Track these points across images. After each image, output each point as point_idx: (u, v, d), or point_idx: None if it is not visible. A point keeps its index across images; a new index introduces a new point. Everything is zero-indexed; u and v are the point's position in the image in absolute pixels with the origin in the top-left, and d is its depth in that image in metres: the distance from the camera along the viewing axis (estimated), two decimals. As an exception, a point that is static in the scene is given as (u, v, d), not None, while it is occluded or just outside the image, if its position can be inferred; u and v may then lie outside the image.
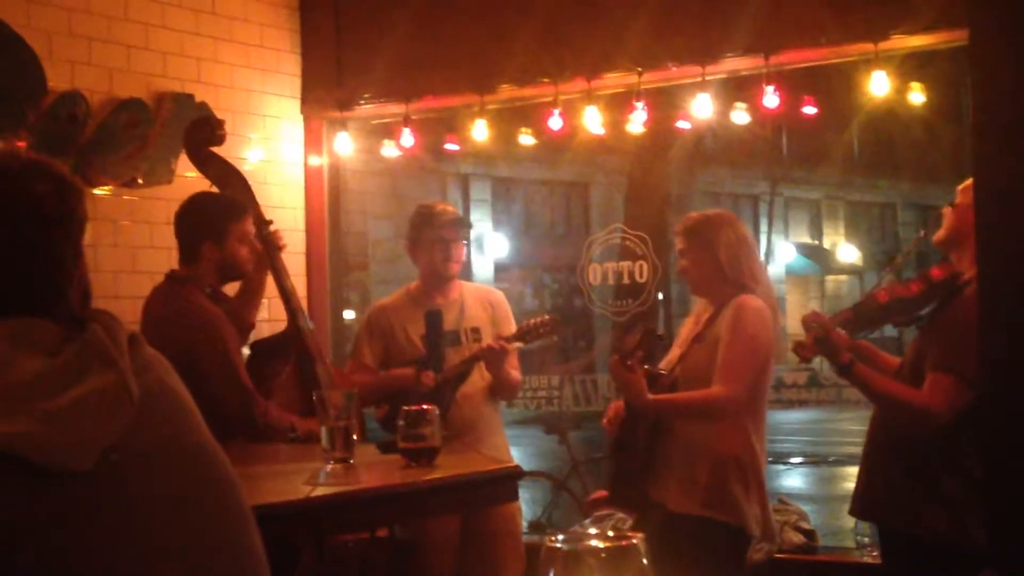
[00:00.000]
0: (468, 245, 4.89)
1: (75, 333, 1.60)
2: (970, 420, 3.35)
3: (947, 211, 3.62)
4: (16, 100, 4.84)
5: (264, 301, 4.52)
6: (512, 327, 4.76)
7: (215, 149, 4.49)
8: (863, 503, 3.67)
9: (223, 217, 4.10)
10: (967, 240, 3.46)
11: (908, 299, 3.54)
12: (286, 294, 4.32)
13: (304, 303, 6.11)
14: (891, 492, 3.50)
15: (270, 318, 4.86)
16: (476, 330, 4.71)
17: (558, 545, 1.10)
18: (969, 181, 3.61)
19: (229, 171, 4.49)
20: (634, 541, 1.11)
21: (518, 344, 4.65)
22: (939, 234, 3.63)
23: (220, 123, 4.71)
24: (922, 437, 3.39)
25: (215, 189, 4.51)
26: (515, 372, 4.74)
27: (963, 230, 3.50)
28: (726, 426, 3.93)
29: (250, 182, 5.78)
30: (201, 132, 4.55)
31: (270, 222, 4.35)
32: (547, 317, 4.64)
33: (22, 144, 4.75)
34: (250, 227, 4.17)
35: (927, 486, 3.42)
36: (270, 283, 4.38)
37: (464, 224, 4.81)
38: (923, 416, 3.35)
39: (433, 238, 4.70)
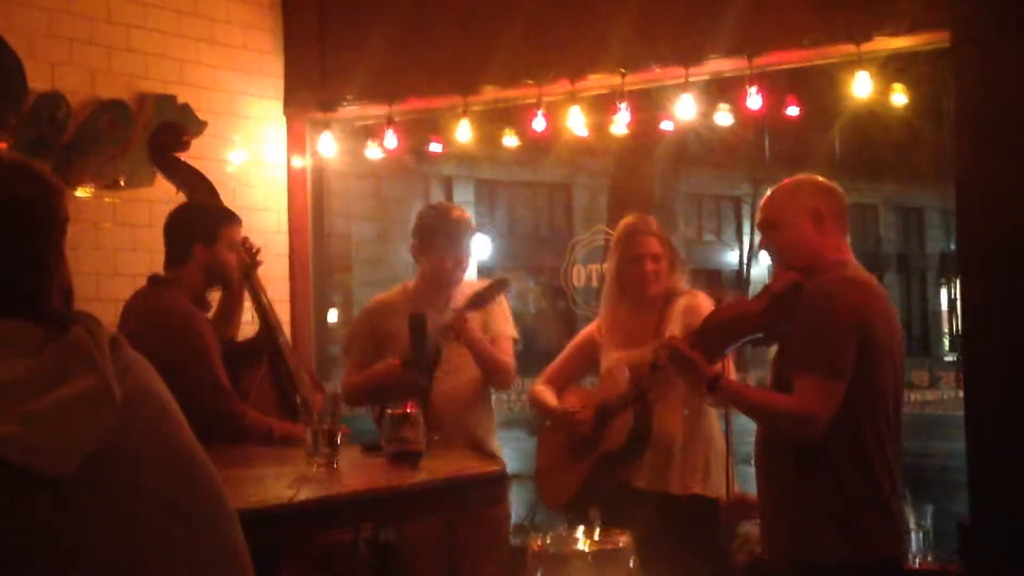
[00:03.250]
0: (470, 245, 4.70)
1: (57, 335, 1.58)
2: (851, 415, 3.27)
3: (766, 222, 3.53)
4: (-3, 101, 4.82)
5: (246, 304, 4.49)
6: (509, 324, 4.61)
7: (182, 155, 4.47)
8: (771, 541, 3.53)
9: (216, 221, 4.09)
10: (792, 253, 3.44)
11: (752, 314, 3.43)
12: (263, 309, 4.31)
13: (287, 305, 6.10)
14: (793, 522, 3.38)
15: (250, 320, 4.82)
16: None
17: (545, 548, 1.09)
18: (767, 195, 3.56)
19: (196, 178, 4.47)
20: (620, 544, 1.10)
21: (472, 311, 4.42)
22: (769, 247, 3.56)
23: (185, 129, 4.69)
24: (806, 445, 3.28)
25: (182, 195, 4.49)
26: (504, 357, 4.56)
27: (788, 245, 3.46)
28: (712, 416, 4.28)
29: (233, 184, 5.80)
30: (165, 138, 4.53)
31: (245, 237, 4.33)
32: (496, 278, 4.50)
33: (3, 145, 4.73)
34: (239, 236, 4.16)
35: (823, 507, 3.31)
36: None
37: (471, 226, 4.62)
38: (804, 420, 3.23)
39: (445, 244, 4.53)
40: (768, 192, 3.56)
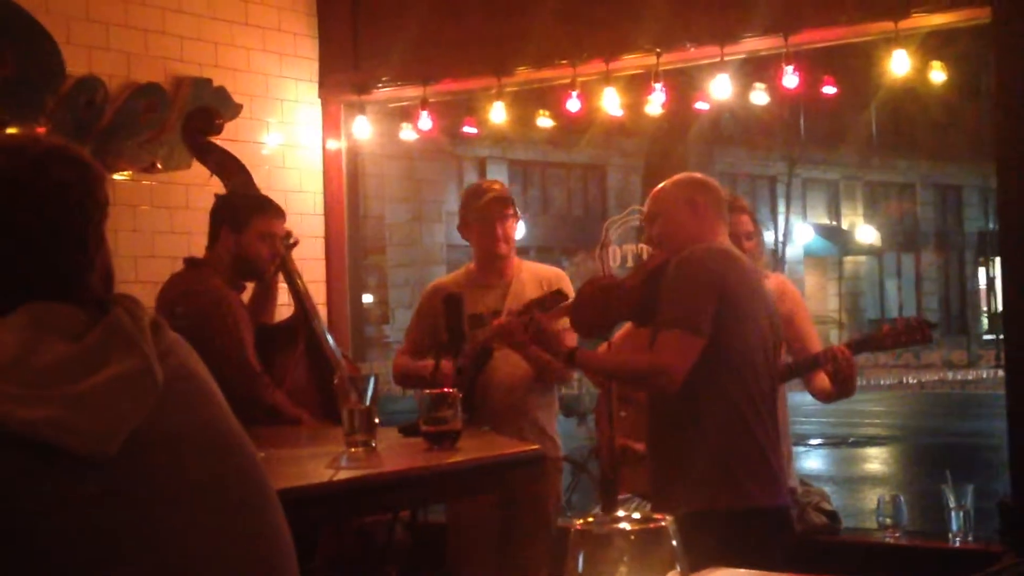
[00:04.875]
0: (510, 220, 4.64)
1: (98, 317, 1.59)
2: (718, 375, 3.43)
3: (648, 215, 3.74)
4: (35, 86, 4.85)
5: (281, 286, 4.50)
6: None
7: (216, 139, 4.48)
8: (658, 496, 3.65)
9: (247, 208, 4.10)
10: (672, 239, 3.63)
11: (627, 287, 3.68)
12: (297, 291, 4.32)
13: (323, 287, 6.12)
14: (683, 475, 3.50)
15: (286, 303, 4.84)
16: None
17: (587, 528, 1.09)
18: (661, 187, 3.74)
19: (230, 161, 4.48)
20: (663, 523, 1.10)
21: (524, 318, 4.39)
22: (651, 237, 3.76)
23: (218, 112, 4.70)
24: (671, 397, 3.45)
25: (216, 179, 4.50)
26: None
27: (669, 233, 3.66)
28: None
29: (268, 167, 5.81)
30: (198, 122, 4.55)
31: (289, 232, 4.32)
32: (554, 289, 4.44)
33: (42, 130, 4.76)
34: (277, 229, 4.14)
35: (702, 457, 3.45)
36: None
37: (508, 200, 4.58)
38: (662, 373, 3.41)
39: (479, 216, 4.52)
40: (654, 190, 3.79)
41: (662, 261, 3.58)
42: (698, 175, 3.80)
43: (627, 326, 4.52)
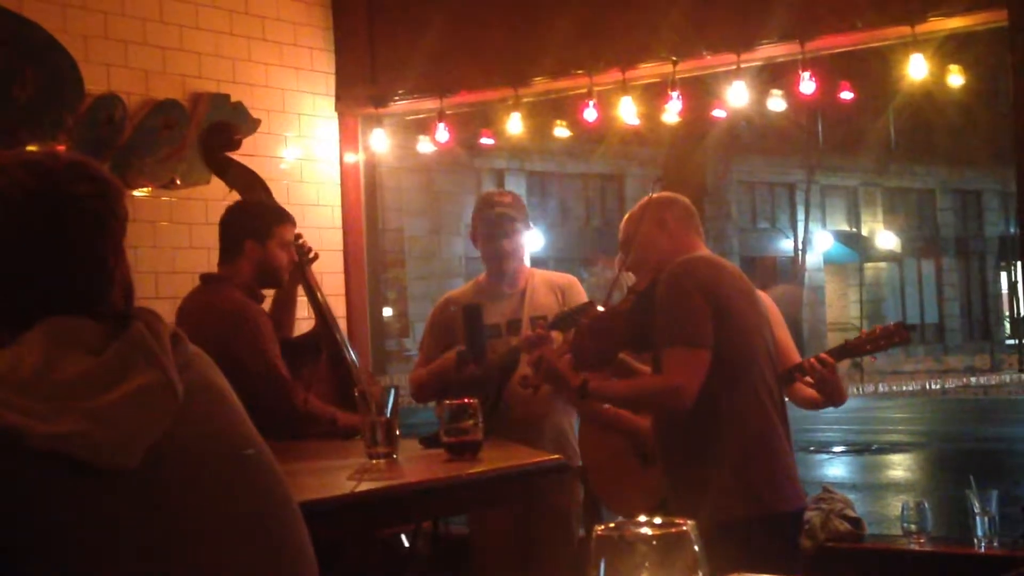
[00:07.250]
0: (513, 236, 4.65)
1: (118, 331, 1.60)
2: (725, 383, 3.43)
3: (622, 243, 3.81)
4: (54, 104, 4.88)
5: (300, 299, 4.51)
6: None
7: (234, 154, 4.50)
8: (681, 508, 3.62)
9: (269, 218, 4.11)
10: (647, 260, 3.68)
11: (621, 312, 3.71)
12: (318, 303, 4.32)
13: (343, 300, 6.13)
14: (700, 487, 3.50)
15: (306, 316, 4.85)
16: (542, 319, 4.41)
17: (609, 534, 1.09)
18: (630, 213, 3.81)
19: (250, 177, 4.49)
20: (684, 528, 1.10)
21: (555, 332, 4.41)
22: (628, 262, 3.83)
23: (236, 128, 4.71)
24: (683, 415, 3.44)
25: (236, 195, 4.51)
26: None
27: (644, 255, 3.71)
28: None
29: (287, 181, 5.84)
30: (217, 138, 4.56)
31: (299, 235, 4.34)
32: (584, 302, 4.42)
33: (61, 148, 4.79)
34: (292, 236, 4.17)
35: (716, 468, 3.45)
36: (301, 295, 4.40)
37: (512, 218, 4.52)
38: (675, 392, 3.40)
39: (481, 231, 4.55)
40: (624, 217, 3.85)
41: (648, 283, 3.59)
42: (665, 193, 3.85)
43: None
